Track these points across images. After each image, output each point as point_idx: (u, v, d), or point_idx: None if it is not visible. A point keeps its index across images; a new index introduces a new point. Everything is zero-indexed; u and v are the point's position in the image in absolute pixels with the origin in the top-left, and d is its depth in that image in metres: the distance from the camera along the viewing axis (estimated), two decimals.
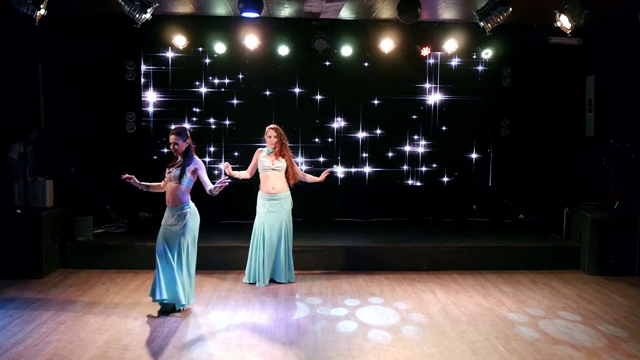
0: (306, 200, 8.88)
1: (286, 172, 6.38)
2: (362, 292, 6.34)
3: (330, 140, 8.97)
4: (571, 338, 5.08)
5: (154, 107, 8.73)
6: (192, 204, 5.57)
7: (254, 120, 8.69)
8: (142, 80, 8.66)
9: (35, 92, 6.67)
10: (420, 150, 9.07)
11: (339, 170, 9.00)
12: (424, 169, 9.09)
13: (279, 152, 6.36)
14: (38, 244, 6.66)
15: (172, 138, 5.44)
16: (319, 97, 8.91)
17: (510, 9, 6.11)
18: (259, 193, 6.49)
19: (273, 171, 6.33)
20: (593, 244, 7.20)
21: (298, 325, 5.29)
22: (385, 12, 7.69)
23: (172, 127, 5.67)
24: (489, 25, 6.46)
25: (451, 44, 8.47)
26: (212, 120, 8.81)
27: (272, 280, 6.56)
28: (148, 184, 5.69)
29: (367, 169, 9.04)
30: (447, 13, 7.79)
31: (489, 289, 6.52)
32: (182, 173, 5.42)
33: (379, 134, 9.01)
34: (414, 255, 7.29)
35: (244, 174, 6.48)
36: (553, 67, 8.76)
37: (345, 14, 7.91)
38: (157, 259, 5.44)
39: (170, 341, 4.87)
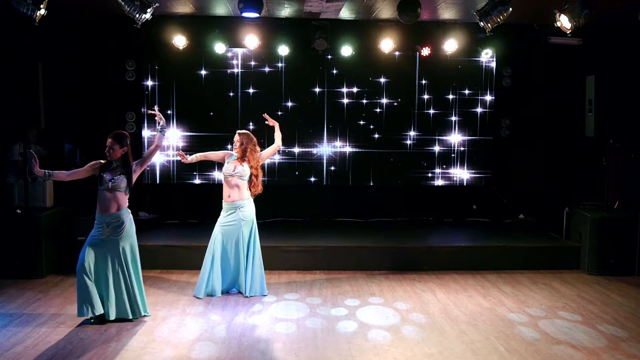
0: (306, 200, 8.91)
1: (250, 180, 6.01)
2: (362, 292, 6.34)
3: (329, 139, 8.96)
4: (571, 338, 5.08)
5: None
6: (128, 210, 5.34)
7: (254, 121, 8.69)
8: (142, 80, 8.66)
9: (35, 92, 6.65)
10: (420, 150, 9.06)
11: (339, 170, 9.01)
12: (424, 168, 9.08)
13: (242, 158, 5.97)
14: (38, 244, 6.66)
15: (108, 142, 5.19)
16: (317, 96, 8.91)
17: (510, 9, 6.11)
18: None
19: (232, 177, 5.93)
20: (593, 244, 7.21)
21: (298, 325, 5.29)
22: (385, 12, 7.69)
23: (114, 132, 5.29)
24: (489, 25, 6.46)
25: (451, 44, 8.47)
26: (211, 120, 8.80)
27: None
28: (51, 172, 5.25)
29: (366, 169, 9.03)
30: (447, 13, 7.79)
31: (489, 289, 6.52)
32: (129, 184, 5.24)
33: (379, 134, 9.00)
34: (414, 255, 7.29)
35: (194, 158, 6.05)
36: (553, 67, 8.76)
37: (345, 14, 7.91)
38: (82, 275, 5.14)
39: (170, 341, 4.87)
